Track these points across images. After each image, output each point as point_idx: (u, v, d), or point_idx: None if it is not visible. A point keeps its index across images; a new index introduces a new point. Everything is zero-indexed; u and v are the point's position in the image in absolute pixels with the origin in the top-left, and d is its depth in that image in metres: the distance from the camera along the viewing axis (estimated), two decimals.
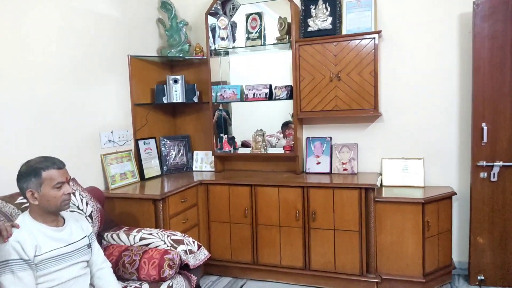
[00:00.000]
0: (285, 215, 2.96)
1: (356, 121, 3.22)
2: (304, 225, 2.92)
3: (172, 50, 3.45)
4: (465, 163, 3.00)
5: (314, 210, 2.88)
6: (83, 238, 1.78)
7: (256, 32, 3.32)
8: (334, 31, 3.09)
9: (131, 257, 2.05)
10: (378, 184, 2.82)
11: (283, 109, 3.48)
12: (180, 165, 3.61)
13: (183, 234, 2.31)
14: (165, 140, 3.57)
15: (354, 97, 2.99)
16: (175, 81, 3.40)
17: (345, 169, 3.19)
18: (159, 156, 3.45)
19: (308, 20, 3.17)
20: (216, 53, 3.49)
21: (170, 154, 3.57)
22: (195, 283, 2.15)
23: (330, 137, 3.27)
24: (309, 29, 3.17)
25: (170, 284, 2.01)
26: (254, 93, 3.37)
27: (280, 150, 3.41)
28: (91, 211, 2.16)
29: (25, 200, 1.77)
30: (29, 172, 1.60)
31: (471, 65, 2.79)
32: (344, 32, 3.08)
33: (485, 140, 2.74)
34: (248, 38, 3.35)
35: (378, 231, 2.81)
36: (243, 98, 3.41)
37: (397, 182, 3.10)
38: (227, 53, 3.58)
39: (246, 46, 3.35)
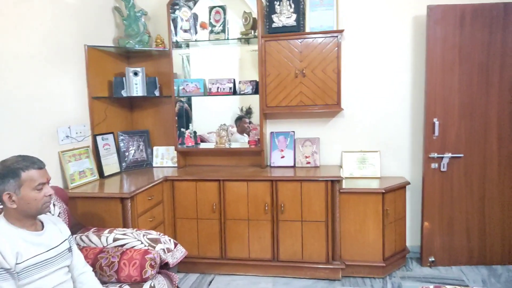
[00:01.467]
0: (253, 208, 2.99)
1: (318, 116, 3.34)
2: (273, 218, 2.98)
3: (131, 41, 3.29)
4: (416, 154, 3.25)
5: (282, 202, 2.94)
6: (63, 241, 1.65)
7: (220, 26, 3.28)
8: (298, 28, 3.16)
9: (108, 259, 1.95)
10: (343, 176, 2.95)
11: (233, 104, 3.51)
12: (140, 161, 3.48)
13: (159, 233, 2.25)
14: (124, 135, 3.41)
15: (318, 93, 3.09)
16: (135, 74, 3.25)
17: (308, 162, 3.30)
18: (117, 152, 3.29)
19: (272, 16, 3.21)
20: (177, 45, 3.40)
21: (129, 150, 3.42)
22: (177, 282, 2.10)
23: (293, 132, 3.36)
24: (274, 25, 3.20)
25: (152, 284, 1.94)
26: (218, 87, 3.34)
27: (239, 145, 3.44)
28: (59, 213, 2.01)
29: None
30: (6, 173, 1.45)
31: (424, 64, 3.03)
32: (307, 30, 3.16)
33: (436, 133, 2.99)
34: (211, 32, 3.30)
35: (342, 220, 2.95)
36: (206, 92, 3.37)
37: (356, 174, 3.28)
38: (187, 46, 3.50)
39: (210, 40, 3.30)
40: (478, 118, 2.97)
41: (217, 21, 3.32)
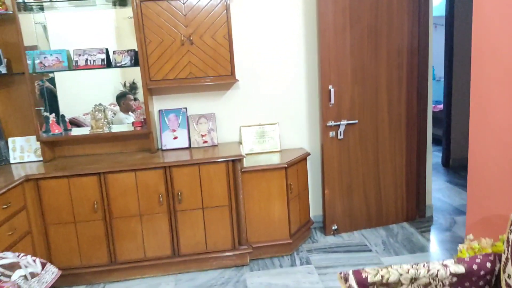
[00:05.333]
0: (145, 201, 2.57)
1: (212, 89, 2.99)
2: (169, 209, 2.60)
3: None
4: (313, 124, 3.16)
5: (179, 191, 2.58)
6: None
7: None
8: None
9: None
10: (243, 154, 2.70)
11: (114, 78, 3.00)
12: None
13: (18, 254, 1.70)
14: None
15: (209, 62, 2.74)
16: None
17: (205, 141, 2.96)
18: None
19: None
20: (26, 7, 2.67)
21: None
22: None
23: (186, 108, 2.97)
24: None
25: None
26: (86, 60, 2.74)
27: (122, 127, 2.94)
28: None
29: None
30: None
31: (316, 28, 2.89)
32: None
33: (332, 101, 2.91)
34: None
35: (246, 201, 2.72)
36: (72, 66, 2.75)
37: (256, 149, 3.07)
38: (41, 9, 2.79)
39: (70, 0, 2.65)
40: (370, 83, 2.98)
41: None
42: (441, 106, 5.31)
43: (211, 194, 2.62)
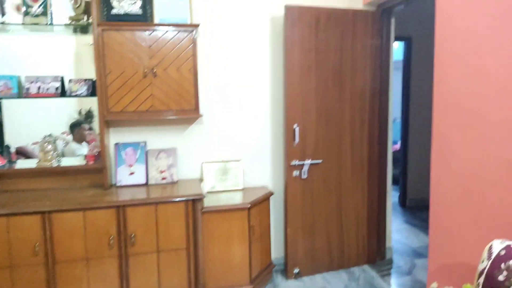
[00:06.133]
0: (94, 244, 2.34)
1: (174, 123, 2.88)
2: (120, 253, 2.38)
3: None
4: (277, 162, 3.10)
5: (133, 232, 2.38)
6: None
7: (40, 7, 2.50)
8: (145, 18, 2.65)
9: None
10: (204, 192, 2.57)
11: (68, 106, 2.81)
12: None
13: None
14: None
15: (172, 96, 2.64)
16: None
17: (163, 178, 2.81)
18: None
19: (111, 0, 2.60)
20: None
21: None
22: None
23: (145, 142, 2.82)
24: (114, 11, 2.61)
25: None
26: (39, 87, 2.56)
27: (72, 161, 2.72)
28: None
29: None
30: None
31: (283, 67, 2.89)
32: (157, 21, 2.68)
33: (297, 140, 2.88)
34: (27, 13, 2.50)
35: (206, 243, 2.57)
36: (22, 93, 2.55)
37: (218, 187, 2.95)
38: None
39: (24, 24, 2.49)
40: (334, 124, 2.99)
41: (35, 1, 2.53)
42: (396, 146, 5.48)
43: (168, 236, 2.44)
